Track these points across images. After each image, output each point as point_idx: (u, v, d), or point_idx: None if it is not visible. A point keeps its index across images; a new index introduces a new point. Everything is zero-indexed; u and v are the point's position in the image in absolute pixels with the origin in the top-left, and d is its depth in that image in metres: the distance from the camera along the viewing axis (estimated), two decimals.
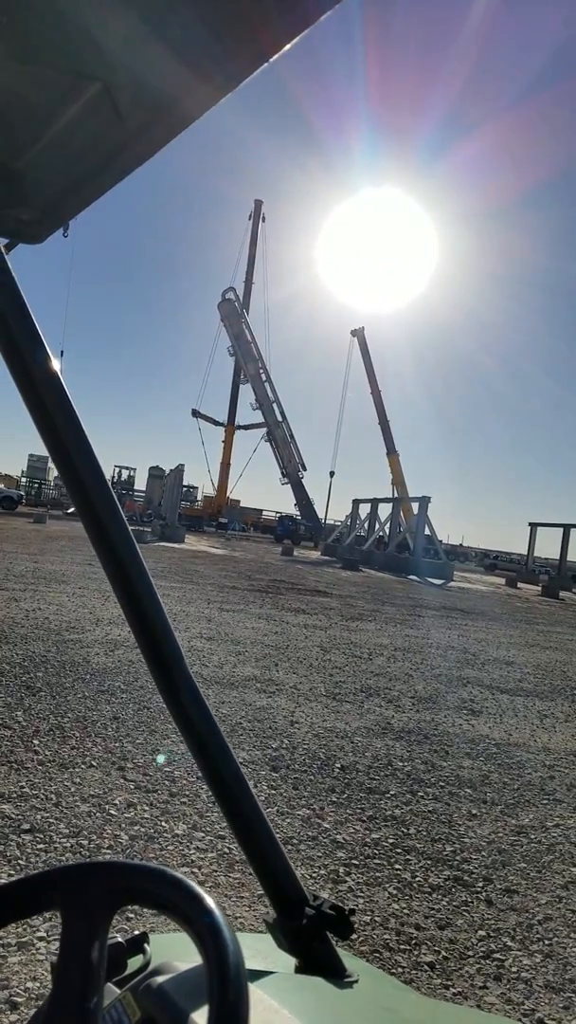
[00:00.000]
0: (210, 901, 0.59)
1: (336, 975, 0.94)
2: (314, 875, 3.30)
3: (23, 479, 64.75)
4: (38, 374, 0.90)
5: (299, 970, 0.96)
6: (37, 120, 0.79)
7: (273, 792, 4.19)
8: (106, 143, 0.81)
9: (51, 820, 3.43)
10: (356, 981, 0.94)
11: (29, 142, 0.83)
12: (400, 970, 2.69)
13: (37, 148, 0.84)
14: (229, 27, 0.60)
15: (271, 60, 0.63)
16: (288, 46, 0.61)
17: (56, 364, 0.92)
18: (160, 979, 0.69)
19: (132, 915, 2.72)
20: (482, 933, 3.03)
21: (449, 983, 2.66)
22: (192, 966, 0.70)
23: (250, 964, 0.57)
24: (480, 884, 3.46)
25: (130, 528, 0.97)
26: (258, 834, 1.00)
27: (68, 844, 3.22)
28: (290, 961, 0.98)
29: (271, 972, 0.87)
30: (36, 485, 63.58)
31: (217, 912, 0.58)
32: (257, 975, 0.83)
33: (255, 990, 0.63)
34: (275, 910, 1.01)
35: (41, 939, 2.53)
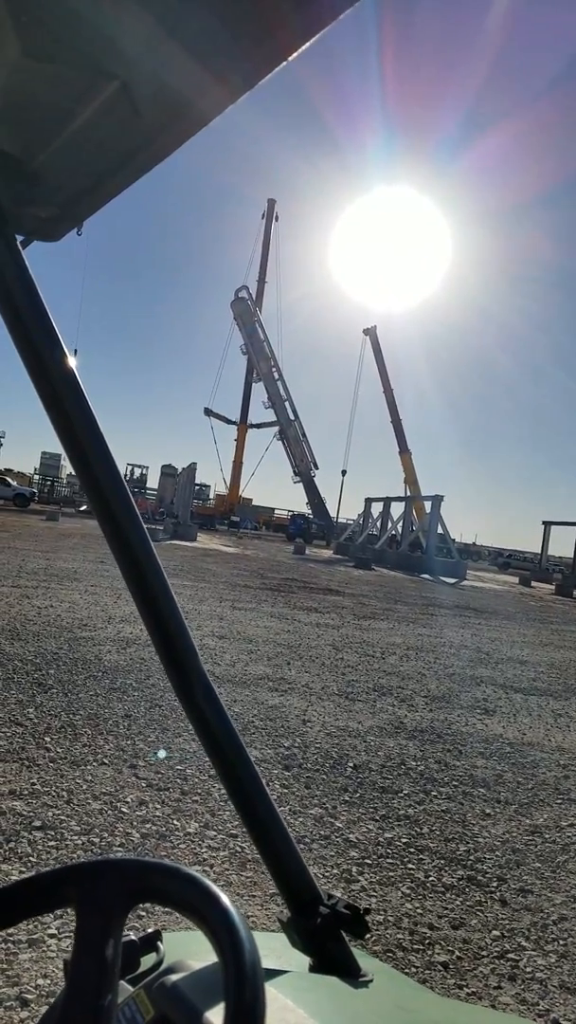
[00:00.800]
0: (226, 899, 0.58)
1: (351, 975, 0.93)
2: (327, 874, 3.28)
3: (36, 476, 65.19)
4: (55, 372, 0.90)
5: (313, 969, 0.95)
6: (55, 118, 0.79)
7: (285, 791, 4.18)
8: (123, 142, 0.81)
9: (63, 818, 3.43)
10: (371, 981, 0.93)
11: (47, 140, 0.83)
12: (413, 970, 2.67)
13: (55, 146, 0.84)
14: (246, 27, 0.61)
15: (288, 60, 0.63)
16: (305, 46, 0.61)
17: (72, 362, 0.91)
18: (174, 977, 0.68)
19: (144, 913, 2.72)
20: (496, 933, 3.01)
21: (463, 983, 2.64)
22: (206, 964, 0.69)
23: (264, 963, 0.56)
24: (494, 884, 3.43)
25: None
26: (272, 832, 0.99)
27: (80, 842, 3.23)
28: (304, 960, 0.97)
29: (285, 971, 0.86)
30: (49, 482, 64.05)
31: (233, 910, 0.57)
32: (271, 974, 0.82)
33: (269, 989, 0.62)
34: (289, 909, 1.00)
35: (52, 936, 2.53)
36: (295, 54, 0.62)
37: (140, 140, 0.79)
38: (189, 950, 0.79)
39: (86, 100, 0.74)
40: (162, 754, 4.41)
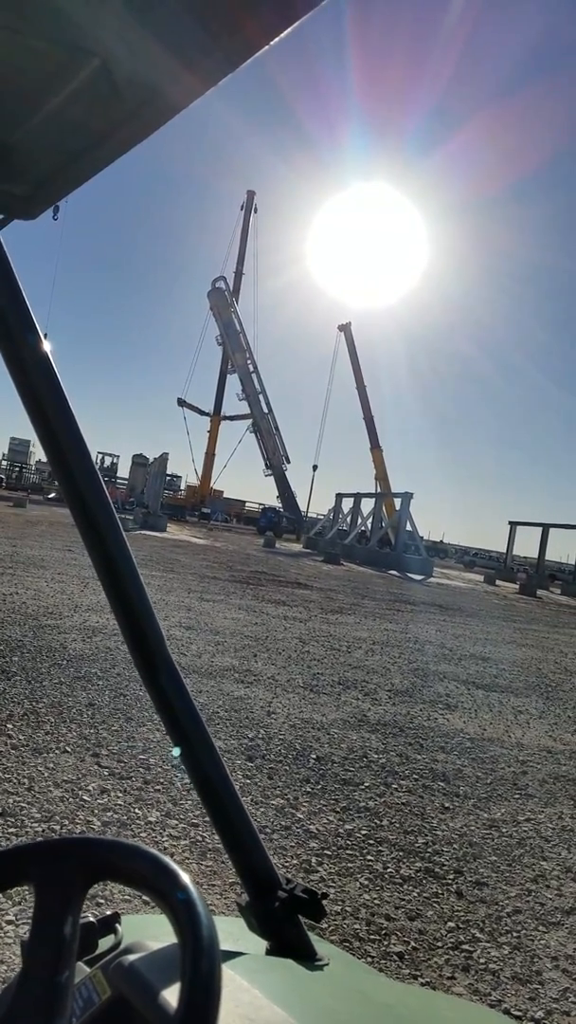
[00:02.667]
0: (185, 877, 0.58)
1: (307, 958, 0.94)
2: (286, 864, 3.31)
3: (3, 463, 64.19)
4: (29, 357, 0.89)
5: (270, 953, 0.96)
6: (32, 94, 0.78)
7: (248, 782, 4.20)
8: (101, 121, 0.80)
9: (23, 804, 3.40)
10: (327, 964, 0.94)
11: (24, 116, 0.82)
12: (370, 960, 2.71)
13: (32, 122, 0.83)
14: (227, 10, 0.61)
15: (270, 45, 0.63)
16: (286, 31, 0.62)
17: (47, 346, 0.91)
18: (131, 957, 0.69)
19: (102, 900, 2.71)
20: (452, 924, 3.06)
21: (418, 973, 2.68)
22: (164, 945, 0.70)
23: (221, 946, 0.56)
24: (451, 876, 3.49)
25: None
26: (233, 817, 1.00)
27: (40, 829, 3.20)
28: (261, 944, 0.98)
29: (242, 953, 0.87)
30: (17, 469, 63.05)
31: (192, 888, 0.57)
32: (228, 956, 0.83)
33: (225, 970, 0.63)
34: (248, 893, 1.01)
35: (10, 923, 2.52)
36: (276, 39, 0.62)
37: (119, 120, 0.78)
38: (148, 932, 0.80)
39: (65, 77, 0.73)
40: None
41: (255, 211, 64.46)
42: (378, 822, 3.97)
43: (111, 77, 0.71)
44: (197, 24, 0.62)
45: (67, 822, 3.31)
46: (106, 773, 3.94)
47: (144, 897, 2.61)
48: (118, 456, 67.33)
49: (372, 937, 2.86)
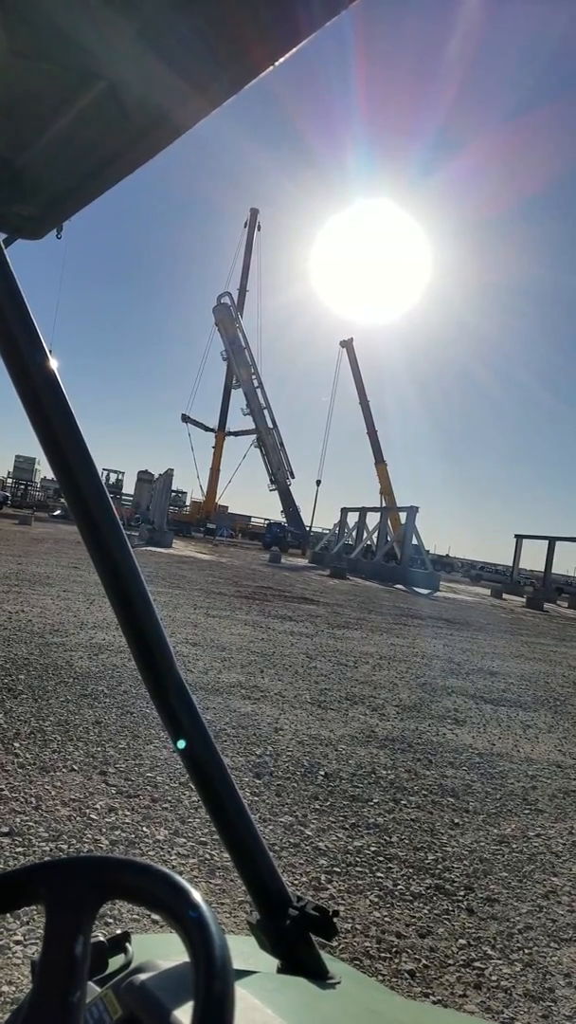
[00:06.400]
0: (197, 896, 0.59)
1: (319, 976, 0.94)
2: (295, 882, 3.28)
3: (9, 480, 64.30)
4: (36, 374, 0.90)
5: (281, 971, 0.95)
6: (42, 117, 0.79)
7: (256, 799, 4.17)
8: (109, 142, 0.81)
9: (30, 824, 3.39)
10: (339, 983, 0.94)
11: (33, 138, 0.84)
12: (381, 978, 2.68)
13: (40, 145, 0.84)
14: (233, 32, 0.62)
15: (274, 66, 0.65)
16: (289, 54, 0.63)
17: (54, 364, 0.91)
18: (142, 976, 0.69)
19: (111, 920, 2.69)
20: (463, 942, 3.03)
21: (429, 991, 2.66)
22: (175, 964, 0.70)
23: (233, 965, 0.56)
24: (462, 893, 3.45)
25: None
26: (243, 835, 0.99)
27: (48, 848, 3.19)
28: (272, 963, 0.97)
29: (254, 972, 0.86)
30: (22, 487, 63.15)
31: (204, 906, 0.57)
32: (239, 975, 0.83)
33: (238, 988, 0.63)
34: (259, 911, 1.00)
35: (18, 943, 2.50)
36: (279, 61, 0.64)
37: (125, 141, 0.79)
38: (159, 951, 0.80)
39: (73, 100, 0.74)
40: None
41: (259, 228, 64.92)
42: (388, 839, 3.94)
43: (118, 100, 0.72)
44: (204, 47, 0.63)
45: (75, 841, 3.29)
46: (113, 791, 3.92)
47: (154, 916, 2.59)
48: (123, 473, 67.43)
49: (383, 955, 2.83)
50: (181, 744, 0.96)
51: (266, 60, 0.64)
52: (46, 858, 3.09)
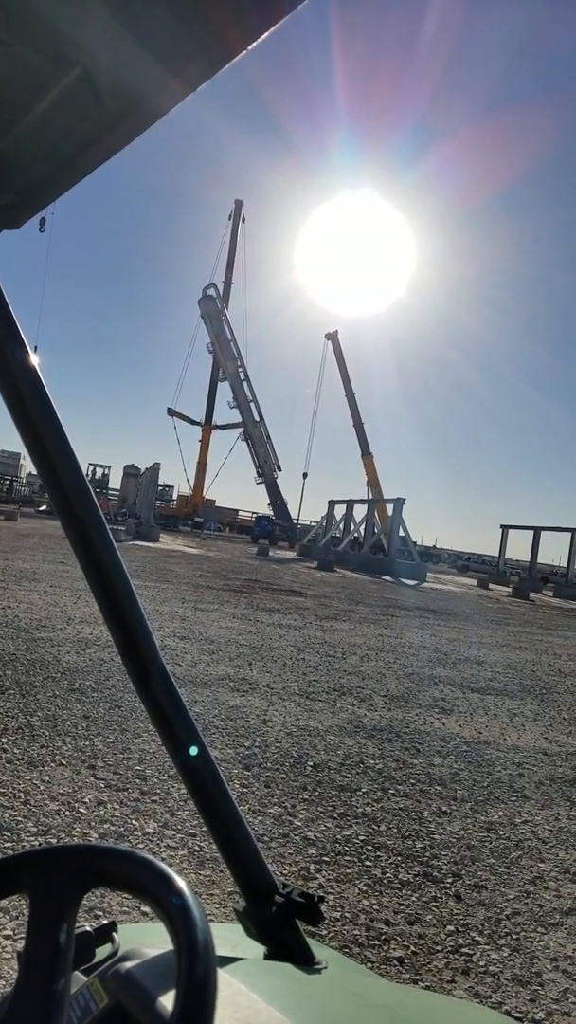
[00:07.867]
0: (180, 882, 0.59)
1: (305, 962, 0.95)
2: (285, 872, 3.30)
3: None
4: (16, 369, 0.89)
5: (268, 958, 0.96)
6: (17, 102, 0.78)
7: (245, 790, 4.19)
8: (86, 127, 0.81)
9: (19, 818, 3.39)
10: (325, 968, 0.94)
11: (8, 125, 0.83)
12: (370, 965, 2.70)
13: (17, 131, 0.83)
14: (209, 14, 0.61)
15: (249, 49, 0.64)
16: (266, 34, 0.63)
17: (34, 359, 0.91)
18: (128, 964, 0.69)
19: (100, 912, 2.70)
20: (451, 928, 3.06)
21: (418, 977, 2.68)
22: (161, 951, 0.70)
23: (219, 952, 0.56)
24: (449, 880, 3.49)
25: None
26: (229, 823, 1.00)
27: (37, 843, 3.19)
28: (259, 950, 0.98)
29: (240, 958, 0.87)
30: (7, 482, 62.72)
31: (187, 893, 0.58)
32: (226, 961, 0.83)
33: (223, 974, 0.63)
34: (245, 898, 1.01)
35: (8, 937, 2.50)
36: (255, 43, 0.63)
37: (103, 125, 0.79)
38: (145, 941, 0.80)
39: (48, 85, 0.74)
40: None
41: (243, 220, 64.61)
42: (376, 827, 3.96)
43: (94, 84, 0.72)
44: (180, 29, 0.62)
45: (64, 835, 3.29)
46: (102, 785, 3.92)
47: (143, 907, 2.59)
48: (109, 467, 67.05)
49: (372, 943, 2.86)
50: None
51: (244, 41, 0.63)
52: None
